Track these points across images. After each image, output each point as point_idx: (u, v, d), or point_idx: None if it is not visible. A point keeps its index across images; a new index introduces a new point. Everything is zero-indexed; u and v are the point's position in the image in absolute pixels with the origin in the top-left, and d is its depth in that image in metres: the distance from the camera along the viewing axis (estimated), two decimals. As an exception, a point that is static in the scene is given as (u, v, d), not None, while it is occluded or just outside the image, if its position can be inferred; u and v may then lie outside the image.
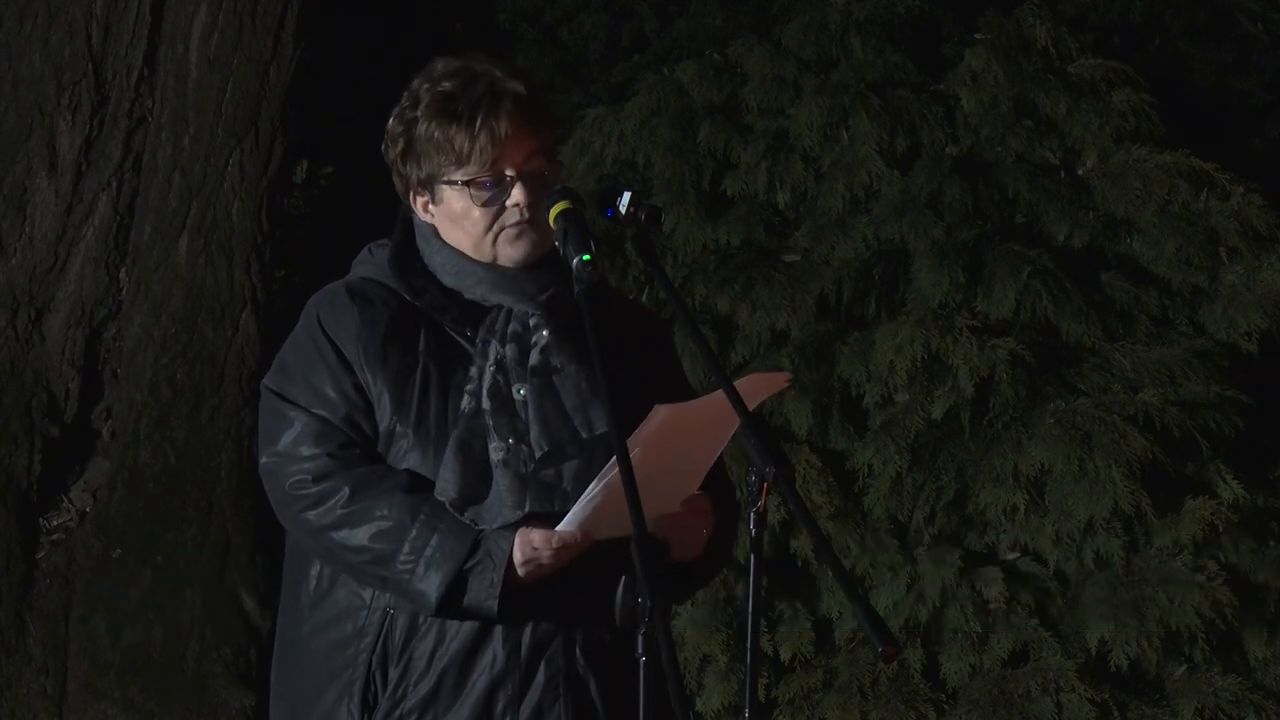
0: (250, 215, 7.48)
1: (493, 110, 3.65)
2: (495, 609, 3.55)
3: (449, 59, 3.76)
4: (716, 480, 3.72)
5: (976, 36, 7.77)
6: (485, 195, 3.67)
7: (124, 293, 7.54)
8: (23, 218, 7.55)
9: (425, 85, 3.72)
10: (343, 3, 8.42)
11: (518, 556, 3.54)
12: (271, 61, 7.51)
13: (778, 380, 3.71)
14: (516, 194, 3.67)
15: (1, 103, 7.61)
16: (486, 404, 3.63)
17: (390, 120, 3.75)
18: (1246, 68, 8.78)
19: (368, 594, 3.65)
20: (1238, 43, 8.80)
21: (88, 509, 7.37)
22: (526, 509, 3.58)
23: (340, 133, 8.58)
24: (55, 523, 7.36)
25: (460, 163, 3.66)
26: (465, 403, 3.64)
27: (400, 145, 3.72)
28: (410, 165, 3.72)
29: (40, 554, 7.29)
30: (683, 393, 3.81)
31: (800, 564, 7.06)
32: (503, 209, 3.68)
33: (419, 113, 3.70)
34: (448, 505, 3.58)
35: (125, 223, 7.56)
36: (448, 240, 3.73)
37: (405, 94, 3.76)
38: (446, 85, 3.69)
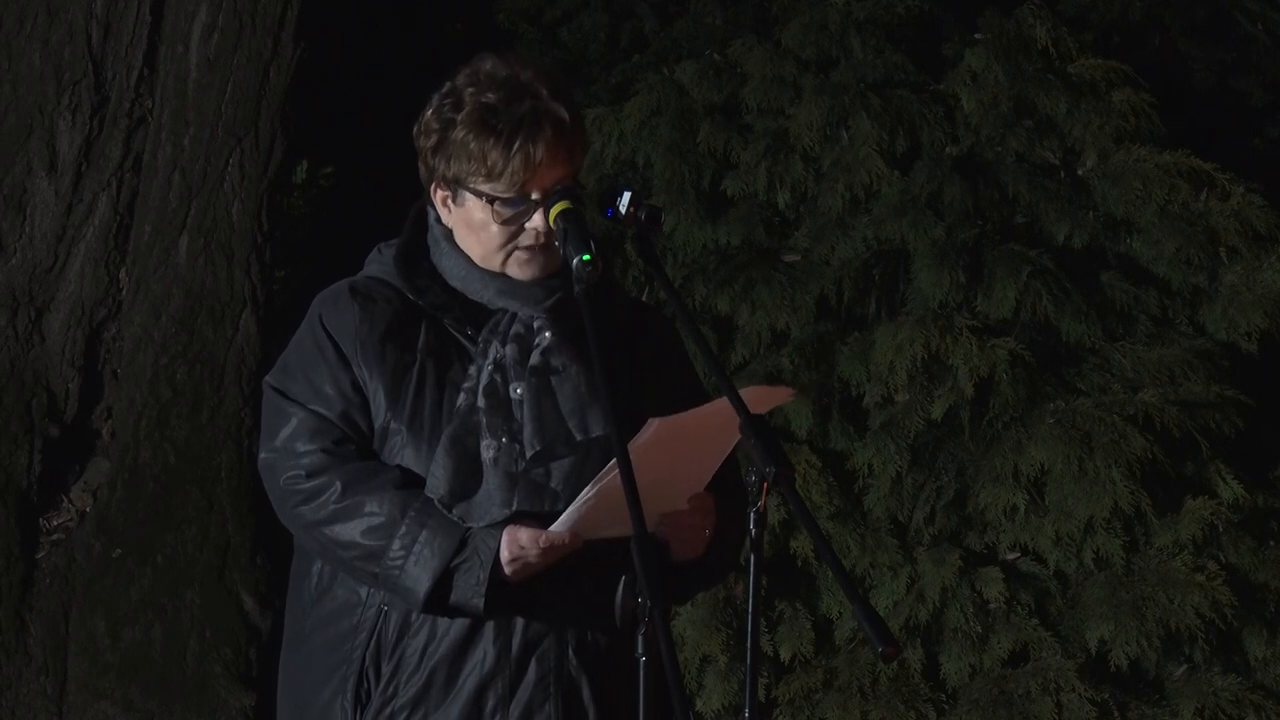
0: (250, 215, 7.48)
1: (532, 134, 3.61)
2: (481, 606, 3.55)
3: (498, 62, 3.68)
4: (728, 484, 3.68)
5: (976, 36, 7.78)
6: (507, 214, 3.64)
7: (124, 293, 7.53)
8: (23, 218, 7.55)
9: (470, 89, 3.66)
10: (343, 3, 8.41)
11: (504, 554, 3.54)
12: (271, 61, 7.50)
13: (781, 394, 3.71)
14: (537, 219, 3.64)
15: (1, 103, 7.61)
16: (481, 401, 3.63)
17: (428, 110, 3.69)
18: (1246, 68, 8.78)
19: (364, 591, 3.66)
20: (1238, 43, 8.80)
21: (88, 509, 7.37)
22: (514, 508, 3.58)
23: (340, 133, 8.58)
24: (55, 523, 7.36)
25: (490, 177, 3.63)
26: (462, 400, 3.63)
27: (434, 139, 3.67)
28: (439, 160, 3.68)
29: (40, 554, 7.28)
30: (696, 392, 3.80)
31: (800, 564, 7.06)
32: (520, 229, 3.66)
33: (459, 116, 3.64)
34: (437, 502, 3.58)
35: (125, 223, 7.56)
36: (461, 245, 3.72)
37: (447, 86, 3.70)
38: (490, 97, 3.63)
